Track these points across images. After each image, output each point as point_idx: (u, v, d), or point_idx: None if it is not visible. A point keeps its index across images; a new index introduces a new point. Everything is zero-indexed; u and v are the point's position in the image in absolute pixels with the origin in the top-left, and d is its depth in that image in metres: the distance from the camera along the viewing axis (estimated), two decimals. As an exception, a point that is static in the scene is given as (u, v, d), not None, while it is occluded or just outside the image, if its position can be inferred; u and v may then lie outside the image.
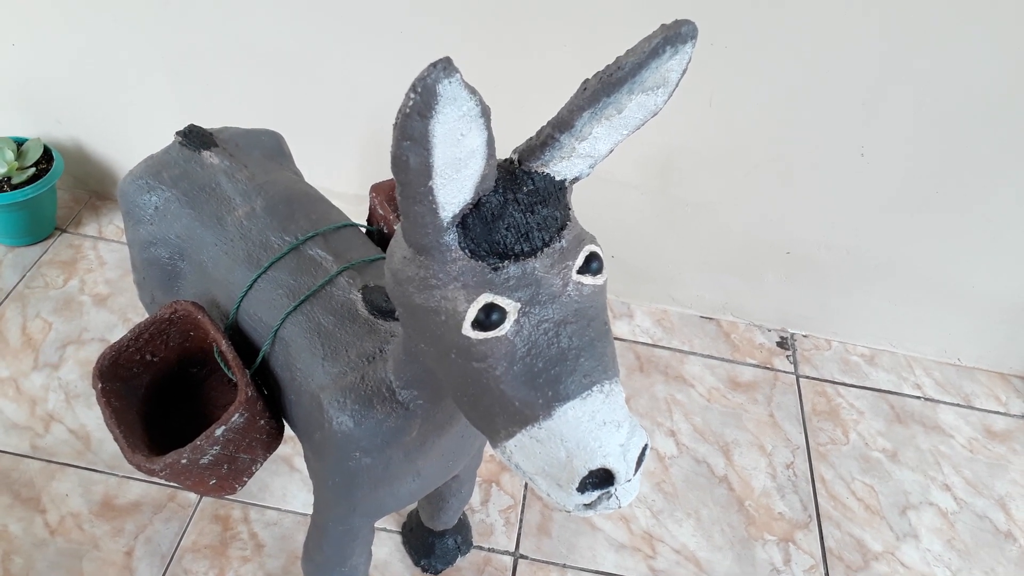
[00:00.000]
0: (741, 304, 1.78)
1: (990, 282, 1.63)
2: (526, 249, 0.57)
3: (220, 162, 1.01)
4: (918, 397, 1.70)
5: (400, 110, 0.48)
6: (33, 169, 1.63)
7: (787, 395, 1.65)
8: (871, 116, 1.41)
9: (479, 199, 0.56)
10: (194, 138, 1.04)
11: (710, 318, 1.80)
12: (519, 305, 0.57)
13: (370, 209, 1.07)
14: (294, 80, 1.56)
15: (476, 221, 0.56)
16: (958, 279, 1.64)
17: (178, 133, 1.04)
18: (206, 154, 1.02)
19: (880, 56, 1.33)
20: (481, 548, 1.31)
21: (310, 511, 1.31)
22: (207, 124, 1.06)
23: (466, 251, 0.57)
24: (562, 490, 0.60)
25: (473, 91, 0.49)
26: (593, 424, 0.57)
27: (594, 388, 0.58)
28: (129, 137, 1.72)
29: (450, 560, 1.26)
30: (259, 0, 1.45)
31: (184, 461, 0.86)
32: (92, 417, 1.39)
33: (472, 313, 0.56)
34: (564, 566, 1.30)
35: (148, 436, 0.94)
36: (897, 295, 1.69)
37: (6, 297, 1.58)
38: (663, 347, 1.71)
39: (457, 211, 0.56)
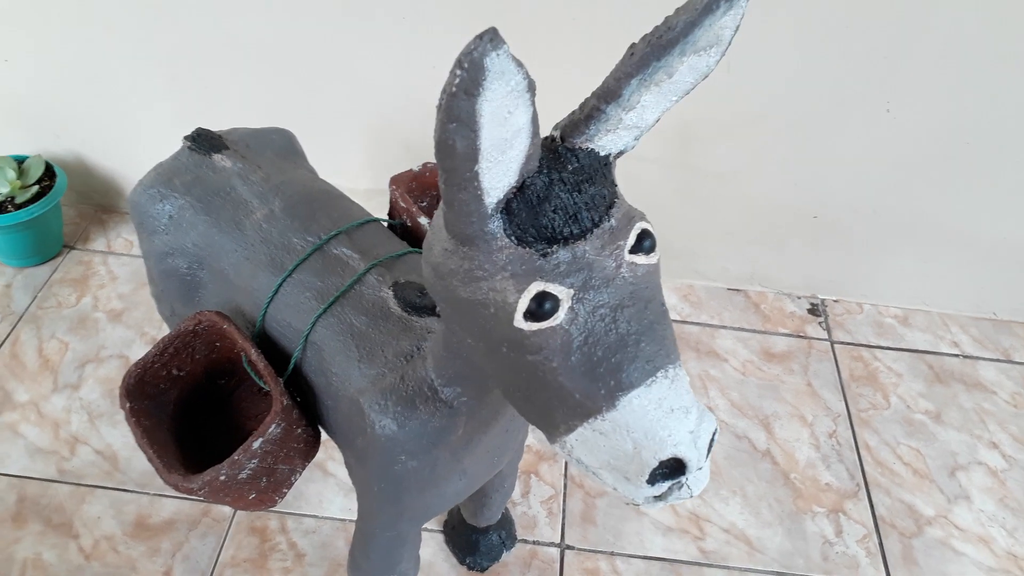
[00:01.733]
0: (768, 273, 1.73)
1: (1022, 231, 1.59)
2: (575, 231, 0.54)
3: (233, 165, 0.97)
4: (956, 355, 1.66)
5: (445, 89, 0.44)
6: (36, 187, 1.59)
7: (823, 363, 1.61)
8: (895, 69, 1.37)
9: (523, 182, 0.52)
10: (203, 142, 1.00)
11: (737, 290, 1.76)
12: (572, 291, 0.53)
13: (391, 202, 1.04)
14: (295, 77, 1.52)
15: (521, 205, 0.53)
16: (989, 231, 1.60)
17: (186, 138, 1.00)
18: (217, 157, 0.98)
19: (901, 5, 1.28)
20: (526, 541, 1.27)
21: (348, 516, 1.28)
22: (211, 128, 1.02)
23: (512, 238, 0.53)
24: (630, 483, 0.56)
25: (520, 64, 0.45)
26: (660, 412, 0.54)
27: (658, 374, 0.55)
28: (131, 147, 1.68)
29: (496, 556, 1.23)
30: (255, 1, 1.41)
31: (223, 477, 0.83)
32: (117, 436, 1.36)
33: (524, 303, 0.53)
34: (612, 554, 1.27)
35: (181, 453, 0.91)
36: (928, 252, 1.65)
37: (19, 319, 1.55)
38: (692, 323, 1.67)
39: (502, 196, 0.52)
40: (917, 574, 1.28)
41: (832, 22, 1.32)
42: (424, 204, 1.07)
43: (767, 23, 1.31)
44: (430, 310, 0.82)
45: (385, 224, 0.99)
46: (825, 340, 1.67)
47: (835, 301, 1.76)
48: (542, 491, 1.34)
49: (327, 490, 1.31)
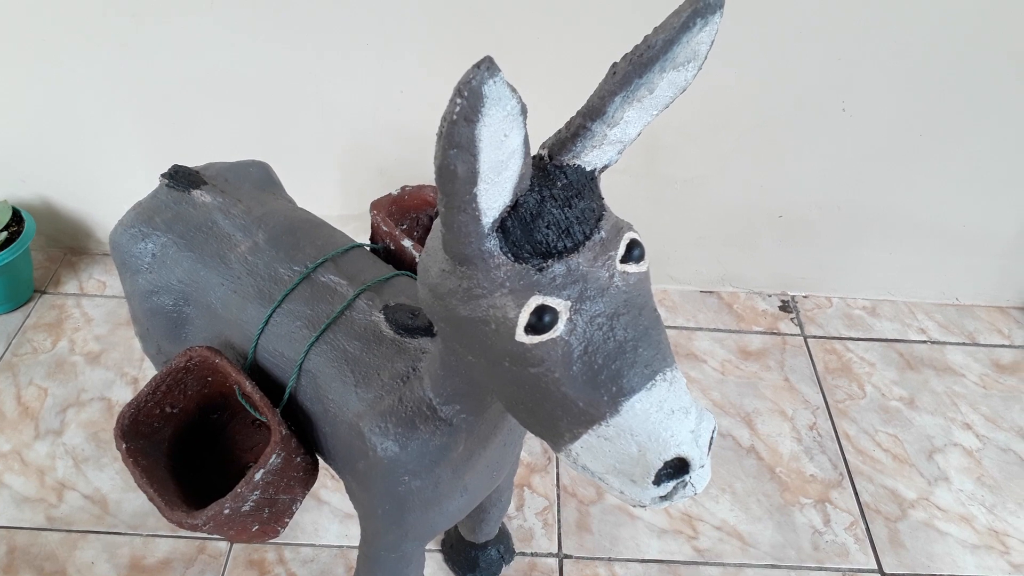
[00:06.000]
0: (739, 273, 1.78)
1: (981, 219, 1.65)
2: (568, 245, 0.56)
3: (213, 199, 0.98)
4: (924, 341, 1.71)
5: (445, 117, 0.46)
6: (4, 233, 1.57)
7: (798, 357, 1.66)
8: (850, 69, 1.42)
9: (516, 200, 0.55)
10: (181, 178, 1.00)
11: (710, 291, 1.80)
12: (570, 303, 0.55)
13: (372, 226, 1.05)
14: (263, 109, 1.53)
15: (515, 223, 0.55)
16: (949, 220, 1.66)
17: (163, 175, 1.00)
18: (196, 193, 0.98)
19: (853, 8, 1.34)
20: (524, 554, 1.28)
21: (345, 543, 1.28)
22: (183, 164, 1.02)
23: (509, 255, 0.55)
24: (636, 485, 0.58)
25: (514, 89, 0.47)
26: (662, 414, 0.56)
27: (657, 377, 0.57)
28: (100, 188, 1.67)
29: (495, 571, 1.23)
30: (218, 33, 1.42)
31: (227, 511, 0.83)
32: (105, 479, 1.35)
33: (524, 318, 0.55)
34: (610, 560, 1.28)
35: (179, 490, 0.91)
36: (892, 244, 1.70)
37: (-6, 368, 1.52)
38: (669, 326, 1.70)
39: (497, 215, 0.54)
40: (904, 556, 1.32)
41: (789, 28, 1.36)
42: (404, 227, 1.09)
43: (727, 33, 1.35)
44: (423, 331, 0.84)
45: (368, 249, 1.00)
46: (798, 335, 1.71)
47: (805, 297, 1.80)
48: (536, 503, 1.36)
49: (322, 518, 1.31)
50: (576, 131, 0.57)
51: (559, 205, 0.56)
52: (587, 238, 0.56)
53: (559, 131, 0.58)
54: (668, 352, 0.58)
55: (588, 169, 0.58)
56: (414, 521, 0.86)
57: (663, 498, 0.60)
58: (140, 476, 0.86)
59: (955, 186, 1.59)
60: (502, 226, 0.54)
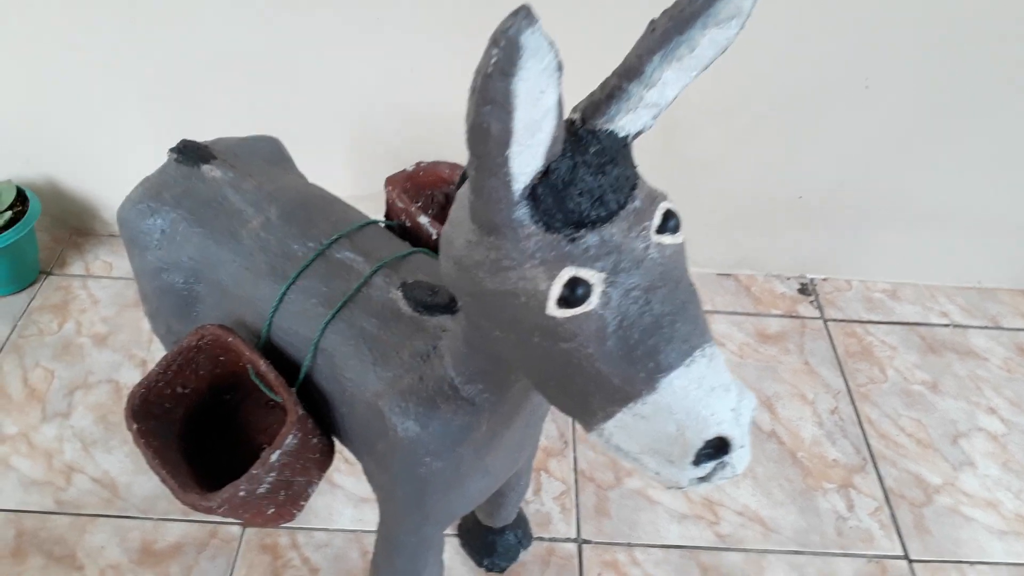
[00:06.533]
0: (757, 256, 1.74)
1: (1005, 202, 1.61)
2: (602, 214, 0.53)
3: (223, 174, 0.95)
4: (946, 325, 1.68)
5: (479, 71, 0.43)
6: (9, 213, 1.54)
7: (818, 341, 1.62)
8: (874, 44, 1.38)
9: (547, 166, 0.52)
10: (190, 153, 0.97)
11: (728, 274, 1.76)
12: (604, 275, 0.52)
13: (387, 203, 1.02)
14: (271, 86, 1.49)
15: (547, 191, 0.52)
16: (972, 202, 1.62)
17: (172, 150, 0.97)
18: (206, 168, 0.95)
19: (879, -19, 1.30)
20: (542, 539, 1.26)
21: (359, 527, 1.26)
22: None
23: (540, 224, 0.52)
24: (674, 466, 0.55)
25: (552, 42, 0.44)
26: (701, 391, 0.53)
27: (696, 353, 0.54)
28: (105, 167, 1.64)
29: (513, 556, 1.21)
30: (224, 9, 1.38)
31: (242, 493, 0.80)
32: (114, 462, 1.32)
33: (556, 290, 0.52)
34: (629, 545, 1.26)
35: (192, 472, 0.89)
36: (913, 226, 1.67)
37: (0, 350, 1.50)
38: (686, 309, 1.67)
39: (528, 181, 0.51)
40: (930, 542, 1.29)
41: (811, 1, 1.32)
42: (419, 204, 1.06)
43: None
44: (442, 308, 0.81)
45: (383, 226, 0.97)
46: (818, 319, 1.67)
47: (824, 280, 1.77)
48: (553, 487, 1.33)
49: (336, 502, 1.28)
50: (611, 92, 0.54)
51: (592, 172, 0.53)
52: (621, 207, 0.54)
53: (592, 93, 0.56)
54: (706, 327, 0.56)
55: (621, 135, 0.56)
56: (435, 504, 0.83)
57: (701, 479, 0.57)
58: (152, 457, 0.84)
59: (979, 167, 1.55)
60: (532, 193, 0.52)
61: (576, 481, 1.34)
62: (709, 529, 1.29)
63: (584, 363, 0.53)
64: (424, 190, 1.06)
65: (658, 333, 0.53)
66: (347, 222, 0.92)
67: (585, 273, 0.52)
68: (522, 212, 0.52)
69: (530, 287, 0.52)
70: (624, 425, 0.55)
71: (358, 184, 1.64)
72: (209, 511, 0.82)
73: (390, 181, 1.01)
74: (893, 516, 1.33)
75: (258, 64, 1.46)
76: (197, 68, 1.47)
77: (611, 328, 0.52)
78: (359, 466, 1.31)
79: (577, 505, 1.31)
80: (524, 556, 1.23)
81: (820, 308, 1.70)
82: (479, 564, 1.21)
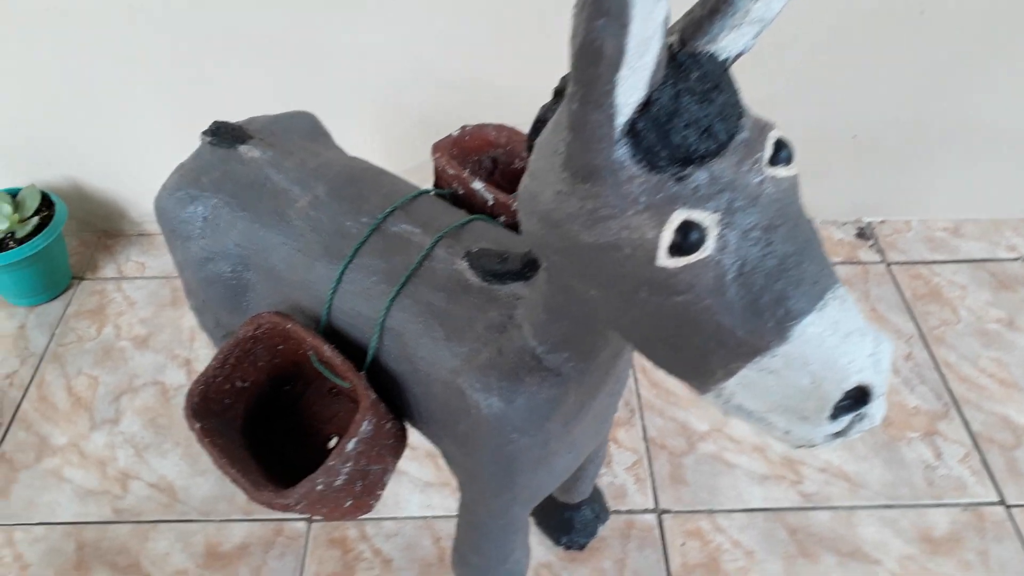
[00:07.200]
0: (811, 202, 1.64)
1: (1072, 121, 1.52)
2: (711, 147, 0.47)
3: (262, 154, 0.89)
4: (1015, 259, 1.60)
5: None
6: (36, 219, 1.50)
7: (883, 286, 1.55)
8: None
9: (647, 97, 0.45)
10: (224, 135, 0.91)
11: (780, 224, 1.69)
12: (718, 216, 0.47)
13: (436, 171, 0.95)
14: (294, 62, 1.43)
15: (648, 125, 0.46)
16: (1035, 127, 1.53)
17: (204, 133, 0.91)
18: (243, 149, 0.89)
19: None
20: (619, 512, 1.20)
21: (428, 513, 1.21)
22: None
23: (643, 164, 0.46)
24: (808, 423, 0.50)
25: None
26: (837, 337, 0.48)
27: (827, 295, 0.48)
28: (128, 163, 1.58)
29: (592, 531, 1.16)
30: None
31: (320, 487, 0.75)
32: (169, 466, 1.28)
33: (666, 237, 0.46)
34: (711, 511, 1.20)
35: (260, 469, 0.84)
36: (973, 158, 1.58)
37: (41, 360, 1.46)
38: (740, 264, 1.60)
39: (629, 115, 0.45)
40: (1028, 486, 1.22)
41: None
42: (467, 170, 1.00)
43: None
44: (513, 275, 0.75)
45: (434, 195, 0.91)
46: (880, 263, 1.60)
47: (881, 222, 1.69)
48: (624, 458, 1.27)
49: (402, 489, 1.23)
50: (715, 7, 0.48)
51: (697, 100, 0.47)
52: (730, 138, 0.48)
53: (691, 10, 0.50)
54: (831, 267, 0.50)
55: (722, 57, 0.50)
56: (524, 483, 0.78)
57: (837, 434, 0.51)
58: (219, 456, 0.79)
59: (1046, 87, 1.46)
60: (632, 130, 0.46)
61: (647, 450, 1.28)
62: (792, 489, 1.23)
63: (702, 317, 0.48)
64: (471, 155, 1.00)
65: (784, 276, 0.48)
66: (398, 194, 0.86)
67: (697, 215, 0.46)
68: (622, 152, 0.46)
69: (635, 236, 0.47)
70: (749, 382, 0.50)
71: (389, 158, 1.57)
72: (286, 509, 0.77)
73: (437, 147, 0.95)
74: (984, 461, 1.26)
75: (280, 41, 1.39)
76: (215, 53, 1.41)
77: (731, 275, 0.47)
78: (422, 450, 1.27)
79: (652, 474, 1.25)
80: (602, 531, 1.18)
81: (881, 252, 1.62)
82: (557, 543, 1.16)
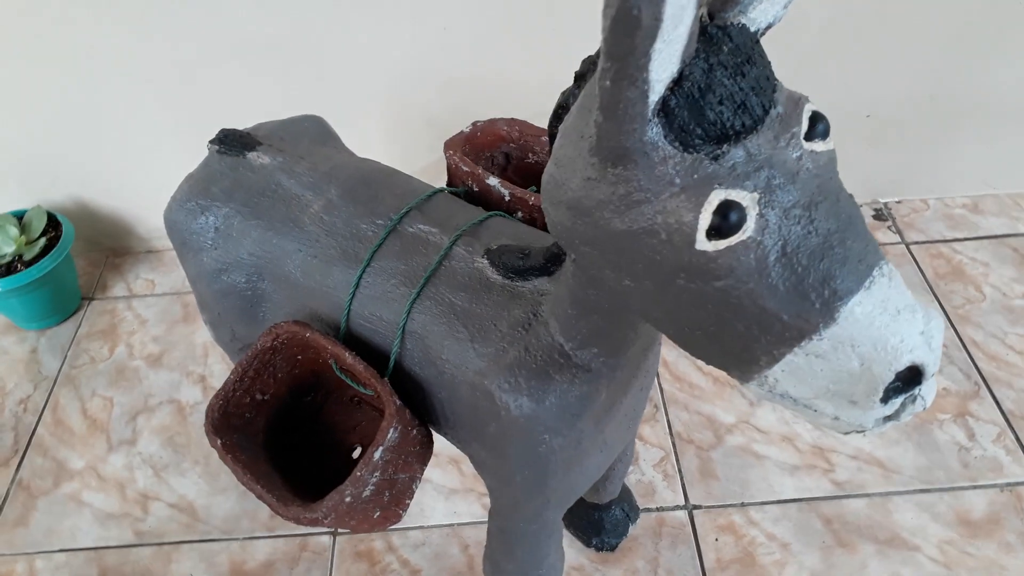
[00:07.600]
0: (824, 185, 1.64)
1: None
2: (747, 123, 0.45)
3: (272, 160, 0.87)
4: (1037, 232, 1.57)
5: None
6: (43, 240, 1.48)
7: (903, 266, 1.52)
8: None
9: (680, 72, 0.43)
10: (232, 142, 0.89)
11: (794, 209, 1.66)
12: (757, 195, 0.45)
13: (448, 169, 0.93)
14: (297, 66, 1.41)
15: (680, 102, 0.44)
16: (1051, 97, 1.50)
17: (212, 142, 0.90)
18: (252, 156, 0.87)
19: None
20: (649, 510, 1.18)
21: (455, 520, 1.19)
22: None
23: (676, 144, 0.44)
24: (858, 407, 0.48)
25: None
26: (887, 316, 0.46)
27: (874, 272, 0.46)
28: (133, 180, 1.57)
29: (623, 531, 1.13)
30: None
31: (348, 499, 0.73)
32: (189, 485, 1.26)
33: (705, 220, 0.44)
34: (743, 505, 1.18)
35: (285, 484, 0.82)
36: (989, 133, 1.55)
37: (54, 383, 1.44)
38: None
39: (662, 92, 0.43)
40: (1066, 464, 1.20)
41: None
42: (480, 167, 0.98)
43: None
44: (536, 271, 0.73)
45: (448, 193, 0.89)
46: (899, 243, 1.57)
47: (898, 202, 1.66)
48: (651, 454, 1.25)
49: (425, 497, 1.21)
50: None
51: (730, 74, 0.45)
52: (766, 113, 0.46)
53: None
54: (876, 243, 0.48)
55: (752, 29, 0.47)
56: (556, 484, 0.76)
57: (888, 418, 0.49)
58: (243, 472, 0.77)
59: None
60: (663, 109, 0.43)
61: (674, 445, 1.26)
62: (824, 478, 1.20)
63: (744, 302, 0.46)
64: (483, 151, 0.98)
65: (829, 255, 0.46)
66: (412, 194, 0.84)
67: (736, 195, 0.44)
68: (654, 132, 0.44)
69: (672, 220, 0.45)
70: (795, 368, 0.47)
71: (405, 155, 1.55)
72: (314, 523, 0.75)
73: (448, 144, 0.93)
74: (1018, 440, 1.23)
75: (279, 48, 1.37)
76: (218, 61, 1.39)
77: (773, 256, 0.45)
78: (445, 456, 1.25)
79: (680, 470, 1.22)
80: (633, 530, 1.15)
81: (899, 232, 1.59)
82: (588, 544, 1.13)
